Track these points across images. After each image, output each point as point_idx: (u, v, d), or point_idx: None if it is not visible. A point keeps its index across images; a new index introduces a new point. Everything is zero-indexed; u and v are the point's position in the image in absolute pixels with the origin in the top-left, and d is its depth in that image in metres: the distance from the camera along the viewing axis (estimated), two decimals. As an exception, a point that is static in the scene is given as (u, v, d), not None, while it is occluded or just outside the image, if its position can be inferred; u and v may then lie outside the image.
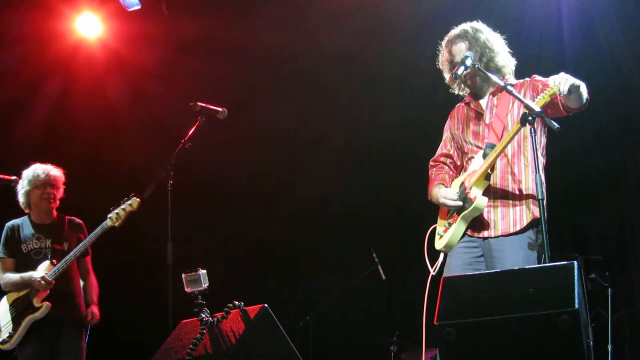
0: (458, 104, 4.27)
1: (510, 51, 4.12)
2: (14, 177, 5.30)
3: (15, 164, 5.59)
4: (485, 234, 3.92)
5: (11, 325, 5.07)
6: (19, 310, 5.08)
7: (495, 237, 3.89)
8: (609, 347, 5.76)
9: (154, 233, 5.09)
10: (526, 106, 3.62)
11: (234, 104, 5.30)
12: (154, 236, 5.13)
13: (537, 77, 3.97)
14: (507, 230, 3.87)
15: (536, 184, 3.57)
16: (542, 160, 3.86)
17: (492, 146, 3.89)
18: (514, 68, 4.11)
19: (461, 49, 4.03)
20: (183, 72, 7.18)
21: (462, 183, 4.00)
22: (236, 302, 3.96)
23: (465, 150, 4.11)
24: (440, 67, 4.20)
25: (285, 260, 7.65)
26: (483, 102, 4.10)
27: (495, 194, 3.91)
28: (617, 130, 6.48)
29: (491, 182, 3.91)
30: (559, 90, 3.58)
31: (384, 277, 6.59)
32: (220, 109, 4.90)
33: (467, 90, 4.17)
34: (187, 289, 4.02)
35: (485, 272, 3.66)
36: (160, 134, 6.90)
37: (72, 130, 7.35)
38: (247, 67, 7.18)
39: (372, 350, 6.92)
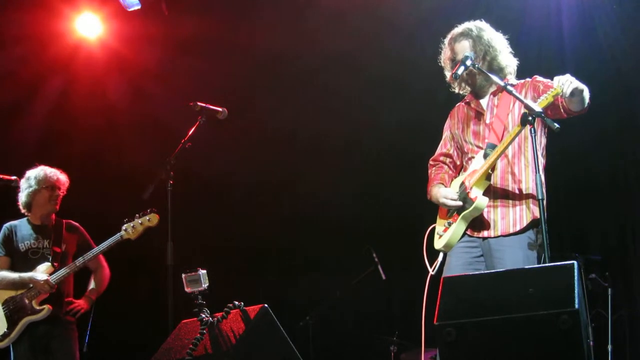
0: (458, 104, 4.27)
1: (512, 51, 4.12)
2: (14, 177, 5.29)
3: (15, 164, 5.59)
4: (485, 233, 3.92)
5: (5, 324, 5.07)
6: (13, 310, 5.08)
7: (495, 237, 3.89)
8: (609, 347, 5.77)
9: (154, 233, 5.09)
10: (526, 106, 3.63)
11: (234, 104, 5.31)
12: (154, 236, 5.13)
13: (539, 78, 3.97)
14: (507, 230, 3.87)
15: (536, 184, 3.57)
16: (542, 161, 3.86)
17: (493, 146, 3.89)
18: (515, 68, 4.12)
19: (464, 47, 4.03)
20: (183, 72, 7.18)
21: (462, 183, 3.99)
22: (236, 302, 3.96)
23: (465, 149, 4.11)
24: (442, 64, 4.20)
25: (285, 260, 7.66)
26: (484, 102, 4.10)
27: (495, 194, 3.91)
28: (617, 130, 6.48)
29: (491, 182, 3.91)
30: (562, 91, 3.58)
31: (384, 277, 6.59)
32: (220, 109, 4.91)
33: (468, 89, 4.17)
34: (187, 289, 4.02)
35: (485, 272, 3.66)
36: (160, 134, 6.89)
37: (72, 131, 7.35)
38: (247, 67, 7.18)
39: (372, 350, 6.92)
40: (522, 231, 3.85)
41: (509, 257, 3.79)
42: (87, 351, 5.61)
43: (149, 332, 5.71)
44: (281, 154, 7.44)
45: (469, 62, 3.90)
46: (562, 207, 6.25)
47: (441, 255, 4.04)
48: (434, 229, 4.13)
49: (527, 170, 3.91)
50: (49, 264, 5.16)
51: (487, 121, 4.03)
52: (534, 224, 3.85)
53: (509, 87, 3.80)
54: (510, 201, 3.89)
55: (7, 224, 5.37)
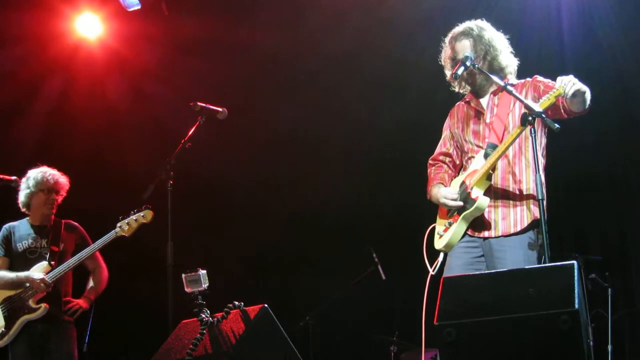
0: (458, 103, 4.26)
1: (513, 51, 4.12)
2: (14, 178, 5.29)
3: (15, 164, 5.59)
4: (486, 234, 3.92)
5: (3, 323, 5.07)
6: (11, 309, 5.08)
7: (495, 237, 3.89)
8: (609, 347, 5.76)
9: (154, 233, 5.09)
10: (526, 106, 3.63)
11: (234, 104, 5.31)
12: (154, 236, 5.13)
13: (539, 78, 3.96)
14: (508, 230, 3.87)
15: (536, 184, 3.57)
16: (542, 161, 3.85)
17: (494, 146, 3.88)
18: (516, 68, 4.11)
19: (465, 47, 4.02)
20: (183, 72, 7.18)
21: (463, 182, 3.99)
22: (236, 302, 3.96)
23: (465, 149, 4.10)
24: (442, 63, 4.19)
25: (285, 260, 7.66)
26: (484, 101, 4.10)
27: (496, 194, 3.91)
28: (617, 130, 6.48)
29: (492, 182, 3.91)
30: (564, 92, 3.58)
31: (384, 277, 6.59)
32: (220, 109, 4.91)
33: (468, 88, 4.17)
34: (187, 289, 4.02)
35: (486, 272, 3.65)
36: (160, 134, 6.90)
37: (72, 131, 7.34)
38: (247, 67, 7.18)
39: (372, 350, 6.92)
40: (523, 231, 3.85)
41: (511, 257, 3.79)
42: (87, 351, 5.60)
43: (149, 332, 5.70)
44: (281, 154, 7.44)
45: (468, 63, 3.90)
46: (562, 207, 6.25)
47: (441, 255, 4.03)
48: (434, 228, 4.12)
49: (527, 170, 3.90)
50: (46, 262, 5.16)
51: (487, 120, 4.03)
52: (534, 225, 3.84)
53: (509, 87, 3.80)
54: (511, 201, 3.89)
55: (7, 225, 5.37)
